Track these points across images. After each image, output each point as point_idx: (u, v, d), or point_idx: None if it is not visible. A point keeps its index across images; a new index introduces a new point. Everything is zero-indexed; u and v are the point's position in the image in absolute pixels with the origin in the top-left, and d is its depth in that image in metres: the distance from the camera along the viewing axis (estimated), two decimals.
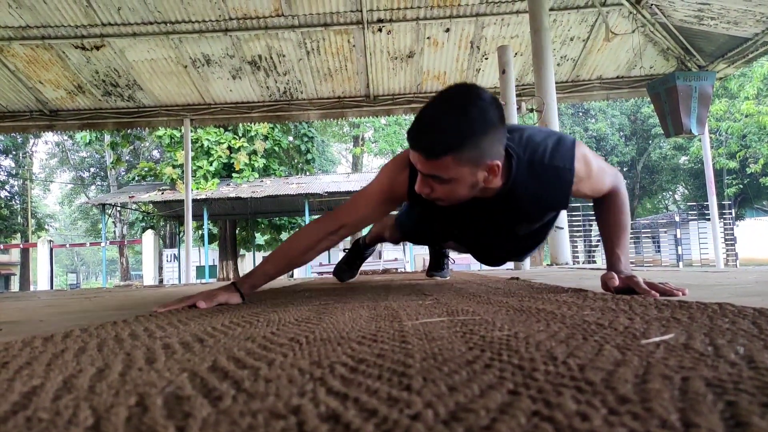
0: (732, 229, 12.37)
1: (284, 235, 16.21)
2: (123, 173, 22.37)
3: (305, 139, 15.81)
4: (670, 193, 25.85)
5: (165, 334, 0.75)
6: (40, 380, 0.46)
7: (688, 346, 0.49)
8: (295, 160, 16.51)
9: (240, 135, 13.56)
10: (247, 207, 13.42)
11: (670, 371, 0.40)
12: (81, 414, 0.35)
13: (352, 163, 23.21)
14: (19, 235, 22.43)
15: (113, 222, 20.69)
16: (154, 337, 0.72)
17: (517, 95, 4.29)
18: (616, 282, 1.16)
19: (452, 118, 1.11)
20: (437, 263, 2.58)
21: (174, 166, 13.55)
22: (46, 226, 27.15)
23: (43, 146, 40.24)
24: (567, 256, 4.18)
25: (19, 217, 22.42)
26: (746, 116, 15.71)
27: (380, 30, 5.52)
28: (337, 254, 17.19)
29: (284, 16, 5.27)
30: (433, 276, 2.58)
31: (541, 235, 1.69)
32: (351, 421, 0.31)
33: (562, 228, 4.13)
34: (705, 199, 7.89)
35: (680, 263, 12.24)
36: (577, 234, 13.14)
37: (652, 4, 5.17)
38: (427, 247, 2.59)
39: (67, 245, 23.56)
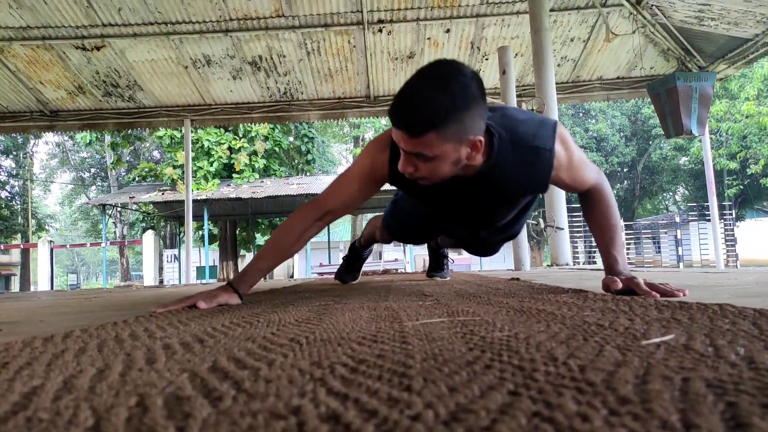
0: (732, 229, 12.38)
1: None
2: (123, 174, 22.36)
3: (306, 139, 15.80)
4: (671, 193, 25.84)
5: (165, 335, 0.75)
6: (40, 380, 0.46)
7: (689, 347, 0.49)
8: (296, 161, 16.50)
9: (240, 135, 13.56)
10: (248, 207, 13.42)
11: (670, 372, 0.40)
12: (81, 414, 0.35)
13: None
14: (19, 235, 22.45)
15: (114, 222, 20.71)
16: (155, 338, 0.72)
17: (518, 96, 4.29)
18: (619, 286, 1.16)
19: (434, 93, 1.09)
20: (437, 264, 2.59)
21: (174, 167, 13.55)
22: (47, 227, 27.14)
23: (44, 147, 40.35)
24: (567, 256, 4.19)
25: (19, 218, 22.44)
26: (747, 117, 15.72)
27: (381, 31, 5.52)
28: (338, 254, 17.21)
29: (285, 16, 5.27)
30: (433, 276, 2.59)
31: (520, 221, 1.72)
32: (351, 422, 0.31)
33: (563, 228, 4.13)
34: (705, 199, 7.89)
35: (680, 264, 12.24)
36: (578, 235, 13.14)
37: (652, 5, 5.17)
38: (426, 247, 2.61)
39: (68, 246, 23.53)
